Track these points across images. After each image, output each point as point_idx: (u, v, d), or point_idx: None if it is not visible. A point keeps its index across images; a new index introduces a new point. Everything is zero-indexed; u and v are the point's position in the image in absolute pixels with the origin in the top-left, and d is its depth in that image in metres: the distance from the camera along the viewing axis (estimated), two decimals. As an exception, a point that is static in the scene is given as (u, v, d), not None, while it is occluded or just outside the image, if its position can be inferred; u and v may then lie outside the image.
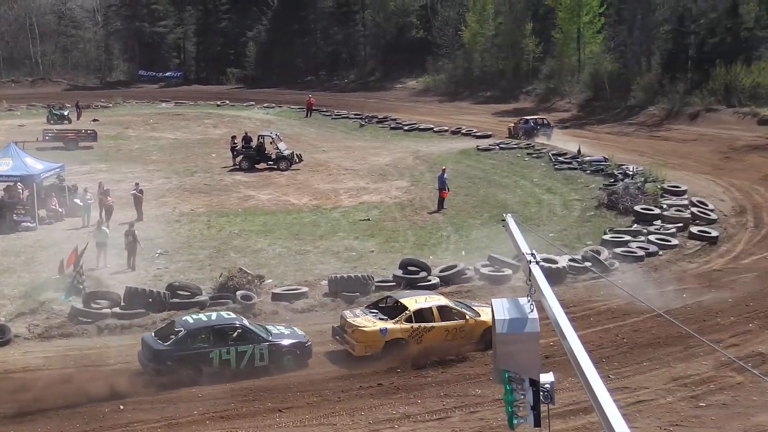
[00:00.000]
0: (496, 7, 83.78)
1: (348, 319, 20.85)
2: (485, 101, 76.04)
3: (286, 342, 20.12)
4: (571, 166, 43.96)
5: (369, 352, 20.24)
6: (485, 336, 20.12)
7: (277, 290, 24.91)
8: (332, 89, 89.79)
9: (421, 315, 20.86)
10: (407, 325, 20.53)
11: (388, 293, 23.38)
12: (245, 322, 20.45)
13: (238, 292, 23.94)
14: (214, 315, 20.62)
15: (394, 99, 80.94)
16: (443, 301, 21.86)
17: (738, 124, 55.73)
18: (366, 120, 65.59)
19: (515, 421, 4.71)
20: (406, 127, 61.33)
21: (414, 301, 21.27)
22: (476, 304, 22.46)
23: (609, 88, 68.38)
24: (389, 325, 20.46)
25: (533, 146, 49.96)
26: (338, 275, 25.32)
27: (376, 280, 25.52)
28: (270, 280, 25.94)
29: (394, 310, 21.26)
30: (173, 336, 19.35)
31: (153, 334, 20.13)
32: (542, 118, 57.32)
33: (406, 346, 20.43)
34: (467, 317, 21.09)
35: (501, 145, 50.92)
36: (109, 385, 18.43)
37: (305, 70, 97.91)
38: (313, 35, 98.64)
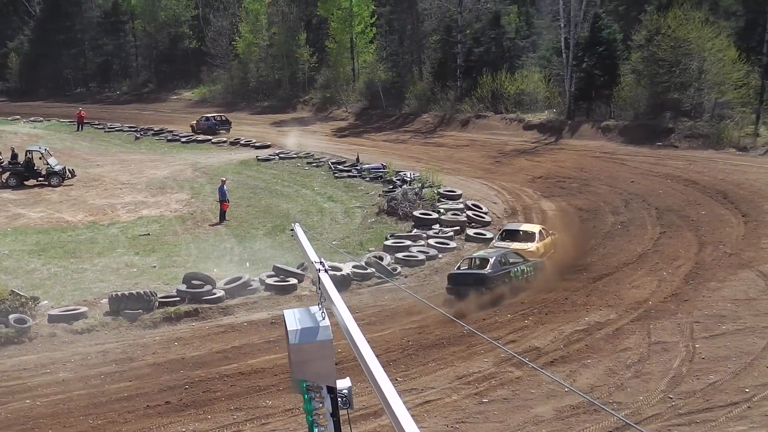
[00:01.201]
0: (269, 17, 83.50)
1: (511, 246, 27.64)
2: (263, 111, 75.96)
3: (537, 261, 26.91)
4: (351, 173, 44.68)
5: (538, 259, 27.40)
6: (553, 248, 29.28)
7: (54, 311, 23.77)
8: (105, 101, 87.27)
9: (541, 234, 29.20)
10: (542, 242, 28.81)
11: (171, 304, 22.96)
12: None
13: (10, 316, 22.69)
14: (490, 250, 27.05)
15: (170, 110, 79.41)
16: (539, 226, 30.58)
17: (506, 130, 58.18)
18: (141, 132, 64.16)
19: (316, 430, 4.70)
20: (183, 139, 60.44)
21: (533, 226, 30.14)
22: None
23: (384, 96, 69.79)
24: (538, 244, 28.51)
25: (313, 155, 50.41)
26: (119, 293, 24.53)
27: (159, 295, 24.92)
28: (45, 302, 24.74)
29: (524, 235, 28.90)
30: (486, 263, 24.99)
31: (465, 267, 25.70)
32: (221, 116, 65.59)
33: (545, 255, 28.28)
34: (552, 235, 29.86)
35: (280, 155, 51.10)
36: None
37: (75, 82, 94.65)
38: (81, 46, 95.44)
